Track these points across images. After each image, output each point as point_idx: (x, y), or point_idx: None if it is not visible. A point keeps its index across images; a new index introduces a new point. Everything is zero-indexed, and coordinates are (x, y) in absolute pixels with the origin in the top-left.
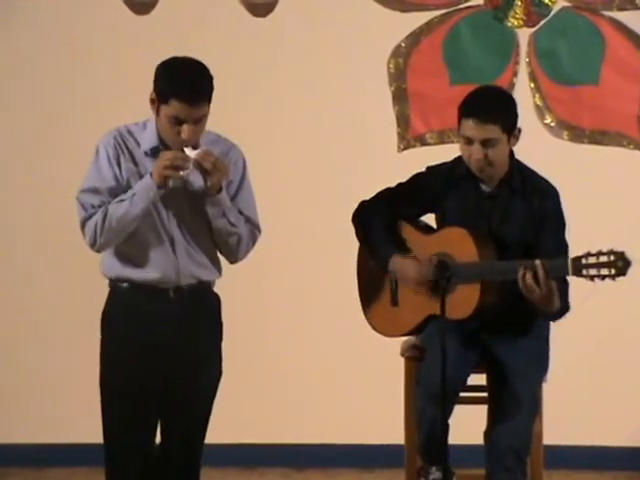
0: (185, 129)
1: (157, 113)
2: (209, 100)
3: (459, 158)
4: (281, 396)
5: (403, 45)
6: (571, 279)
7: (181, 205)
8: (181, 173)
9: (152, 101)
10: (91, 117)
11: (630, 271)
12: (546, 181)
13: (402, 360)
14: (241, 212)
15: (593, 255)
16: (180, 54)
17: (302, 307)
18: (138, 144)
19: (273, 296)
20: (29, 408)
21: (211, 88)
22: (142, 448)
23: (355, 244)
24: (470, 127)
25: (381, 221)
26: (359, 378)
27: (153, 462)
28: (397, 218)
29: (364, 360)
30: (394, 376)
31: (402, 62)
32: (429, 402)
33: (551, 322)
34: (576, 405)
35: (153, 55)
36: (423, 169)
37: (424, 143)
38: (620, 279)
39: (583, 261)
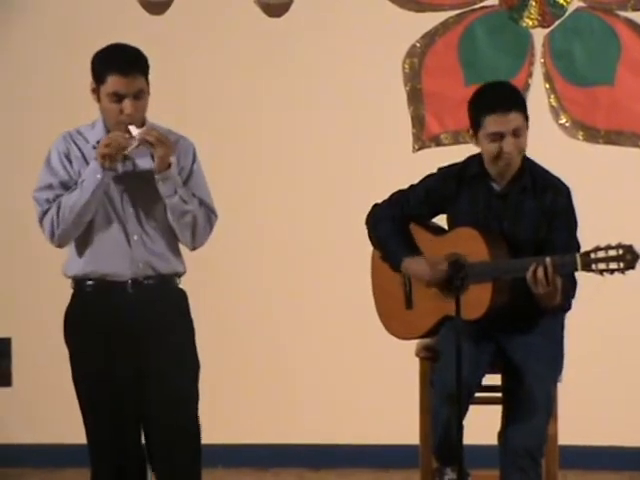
0: (127, 104)
1: (99, 99)
2: (145, 74)
3: (470, 158)
4: (296, 396)
5: (418, 45)
6: (579, 276)
7: (135, 193)
8: (126, 150)
9: (93, 90)
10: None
11: (638, 265)
12: (557, 179)
13: (417, 360)
14: (194, 195)
15: (602, 249)
16: (195, 54)
17: (318, 307)
18: (87, 141)
19: (288, 296)
20: (46, 408)
21: (145, 63)
22: (124, 449)
23: (370, 244)
24: (499, 121)
25: (393, 224)
26: (374, 378)
27: (138, 463)
28: (410, 220)
29: (379, 360)
30: (409, 376)
31: (417, 62)
32: (444, 403)
33: (564, 322)
34: (592, 405)
35: (167, 55)
36: (435, 170)
37: (439, 143)
38: (630, 273)
39: (592, 256)
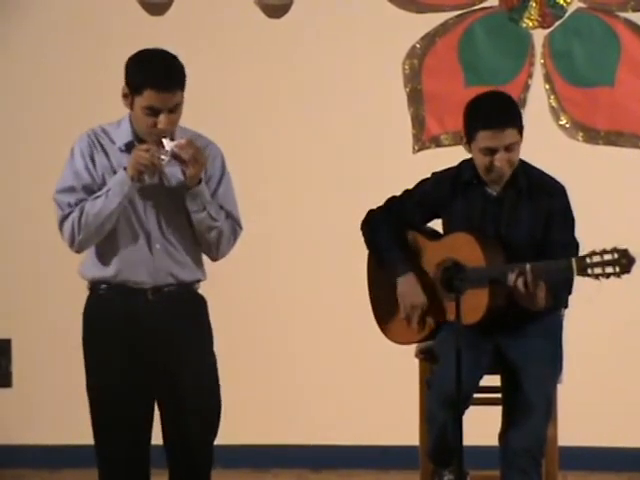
0: (162, 119)
1: (131, 107)
2: (182, 87)
3: (464, 163)
4: (295, 397)
5: (418, 46)
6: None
7: (159, 201)
8: (159, 163)
9: (125, 96)
10: (104, 117)
11: (635, 268)
12: (552, 179)
13: (417, 362)
14: (221, 207)
15: (597, 254)
16: (195, 55)
17: (316, 308)
18: (113, 142)
19: (287, 297)
20: (46, 409)
21: (183, 75)
22: (133, 454)
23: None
24: (491, 137)
25: (389, 230)
26: (374, 379)
27: (146, 467)
28: (405, 225)
29: (379, 361)
30: (409, 377)
31: (417, 63)
32: (440, 406)
33: (563, 323)
34: (592, 406)
35: None
36: (430, 175)
37: (439, 144)
38: (628, 276)
39: (587, 260)
